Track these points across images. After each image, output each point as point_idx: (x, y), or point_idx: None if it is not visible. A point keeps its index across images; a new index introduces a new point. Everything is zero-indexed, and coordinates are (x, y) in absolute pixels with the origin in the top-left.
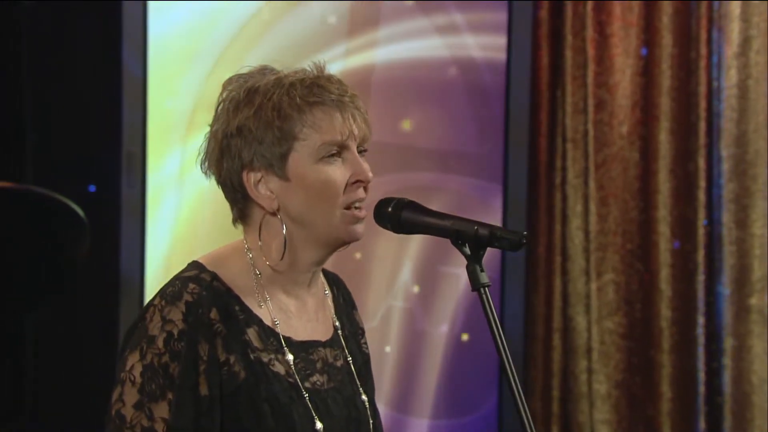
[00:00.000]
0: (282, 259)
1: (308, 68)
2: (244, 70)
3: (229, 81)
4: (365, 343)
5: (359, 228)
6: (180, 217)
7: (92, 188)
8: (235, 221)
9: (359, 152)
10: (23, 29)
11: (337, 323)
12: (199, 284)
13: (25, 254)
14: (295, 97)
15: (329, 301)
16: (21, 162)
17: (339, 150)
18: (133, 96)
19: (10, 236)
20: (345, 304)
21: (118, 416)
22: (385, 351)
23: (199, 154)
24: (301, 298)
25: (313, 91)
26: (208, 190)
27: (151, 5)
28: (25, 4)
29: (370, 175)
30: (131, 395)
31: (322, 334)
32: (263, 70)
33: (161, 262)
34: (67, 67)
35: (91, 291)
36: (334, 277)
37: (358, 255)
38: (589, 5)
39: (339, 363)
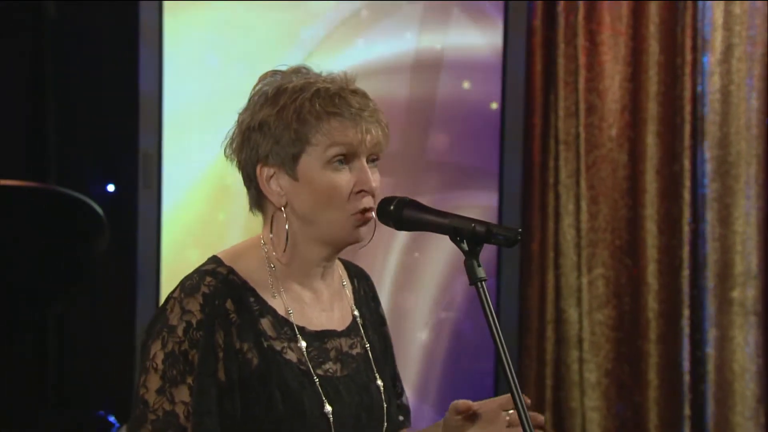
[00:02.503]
0: (284, 252)
1: (338, 77)
2: (283, 67)
3: (265, 75)
4: (387, 332)
5: (364, 231)
6: (194, 215)
7: (111, 188)
8: (251, 208)
9: (371, 161)
10: (45, 34)
11: (356, 312)
12: (215, 277)
13: (47, 250)
14: (316, 104)
15: (348, 292)
16: (44, 163)
17: (346, 158)
18: (149, 99)
19: (34, 233)
20: (366, 297)
21: (143, 401)
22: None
23: (225, 137)
24: (315, 289)
25: (334, 101)
26: (221, 190)
27: (166, 6)
28: (47, 4)
29: (374, 185)
30: (154, 381)
31: (338, 323)
32: (298, 71)
33: (176, 258)
34: (87, 72)
35: (110, 285)
36: (358, 270)
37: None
38: (581, 15)
39: (355, 351)
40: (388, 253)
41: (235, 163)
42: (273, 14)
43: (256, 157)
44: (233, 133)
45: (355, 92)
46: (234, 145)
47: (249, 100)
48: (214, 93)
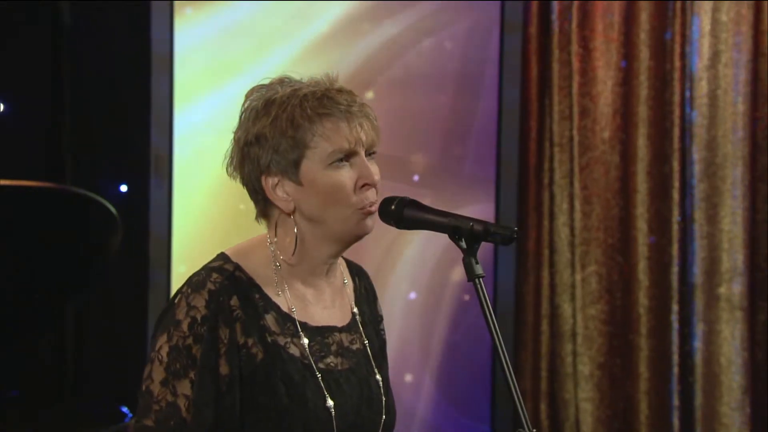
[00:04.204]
0: (293, 255)
1: (322, 79)
2: (266, 81)
3: (251, 91)
4: (383, 329)
5: (369, 222)
6: (203, 214)
7: (124, 188)
8: (257, 217)
9: (369, 155)
10: (61, 39)
11: (356, 310)
12: (222, 274)
13: (63, 248)
14: (306, 108)
15: (349, 290)
16: (60, 164)
17: (347, 156)
18: (161, 101)
19: (50, 232)
20: (366, 294)
21: (148, 392)
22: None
23: (225, 158)
24: (318, 287)
25: (323, 102)
26: (230, 190)
27: (176, 6)
28: (62, 5)
29: (377, 178)
30: (158, 373)
31: (339, 319)
32: (282, 81)
33: (186, 256)
34: (101, 76)
35: (123, 281)
36: (359, 269)
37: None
38: (574, 22)
39: (355, 346)
40: (380, 248)
41: (238, 179)
42: (283, 16)
43: (258, 170)
44: (231, 151)
45: (341, 91)
46: (235, 163)
47: (240, 118)
48: (224, 94)
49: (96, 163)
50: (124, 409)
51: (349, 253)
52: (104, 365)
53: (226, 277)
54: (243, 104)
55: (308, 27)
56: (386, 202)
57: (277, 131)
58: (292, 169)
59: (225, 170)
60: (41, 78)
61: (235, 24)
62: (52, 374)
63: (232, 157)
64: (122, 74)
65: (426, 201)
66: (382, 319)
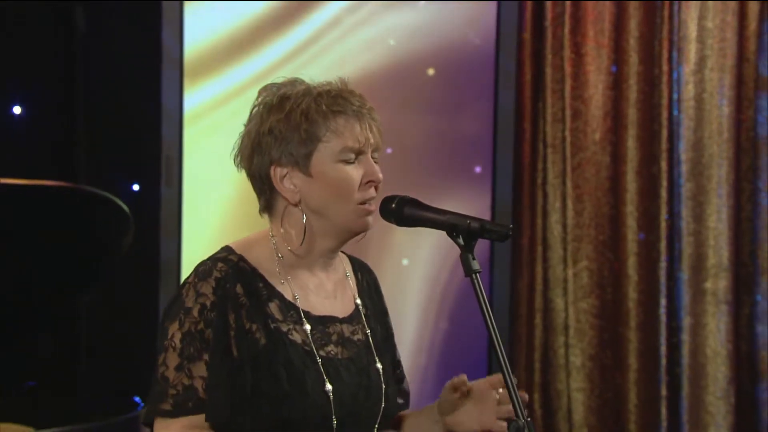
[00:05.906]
0: (300, 245)
1: (334, 81)
2: (278, 80)
3: (264, 88)
4: (389, 322)
5: (369, 220)
6: (212, 212)
7: (136, 187)
8: (261, 211)
9: (372, 159)
10: (75, 43)
11: (359, 302)
12: (227, 264)
13: (77, 244)
14: (321, 104)
15: (351, 283)
16: (74, 164)
17: (356, 154)
18: (171, 103)
19: (64, 229)
20: (369, 288)
21: (163, 378)
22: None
23: (233, 150)
24: (320, 278)
25: (337, 101)
26: (237, 190)
27: (187, 11)
28: (75, 5)
29: (381, 176)
30: (173, 359)
31: (341, 310)
32: (294, 82)
33: (196, 252)
34: (113, 79)
35: (135, 277)
36: (361, 264)
37: None
38: (567, 28)
39: (356, 337)
40: (380, 253)
41: (245, 171)
42: (290, 18)
43: (269, 160)
44: (241, 143)
45: (352, 93)
46: (244, 154)
47: (252, 113)
48: (234, 93)
49: (108, 162)
50: (136, 399)
51: (354, 251)
52: (116, 357)
53: (230, 267)
54: (255, 100)
55: (313, 25)
56: (387, 201)
57: (291, 124)
58: (303, 161)
59: (233, 161)
60: (54, 79)
61: (246, 23)
62: (66, 366)
63: (241, 149)
64: (133, 75)
65: (424, 200)
66: (387, 312)
